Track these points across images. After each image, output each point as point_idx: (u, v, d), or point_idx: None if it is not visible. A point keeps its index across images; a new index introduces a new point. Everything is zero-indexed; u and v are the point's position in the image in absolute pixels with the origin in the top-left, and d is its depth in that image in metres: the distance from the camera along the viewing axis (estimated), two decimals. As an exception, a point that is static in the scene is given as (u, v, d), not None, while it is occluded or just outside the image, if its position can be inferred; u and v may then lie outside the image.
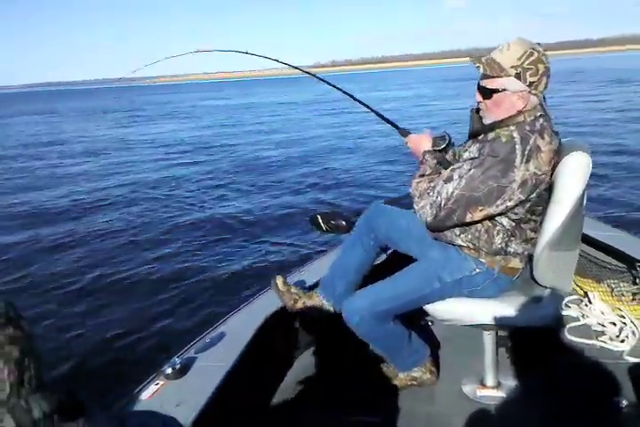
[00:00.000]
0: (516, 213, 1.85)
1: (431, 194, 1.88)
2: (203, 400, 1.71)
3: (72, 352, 3.79)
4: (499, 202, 1.77)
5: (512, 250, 1.93)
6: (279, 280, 2.37)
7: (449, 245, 2.01)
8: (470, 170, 1.79)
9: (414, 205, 1.95)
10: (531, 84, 1.77)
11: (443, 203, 1.82)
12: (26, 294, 4.92)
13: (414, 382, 2.22)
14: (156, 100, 51.37)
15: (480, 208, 1.79)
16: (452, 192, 1.80)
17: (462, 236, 1.95)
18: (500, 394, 2.18)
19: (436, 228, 1.93)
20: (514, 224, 1.88)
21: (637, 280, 2.52)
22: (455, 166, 1.89)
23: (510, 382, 2.23)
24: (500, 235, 1.90)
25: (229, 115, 26.49)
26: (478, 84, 1.88)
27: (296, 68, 2.81)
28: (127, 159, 13.57)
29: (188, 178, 10.51)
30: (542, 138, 1.76)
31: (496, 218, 1.87)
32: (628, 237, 2.78)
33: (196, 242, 6.21)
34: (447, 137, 2.07)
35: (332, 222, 2.43)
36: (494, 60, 1.78)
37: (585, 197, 1.91)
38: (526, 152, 1.72)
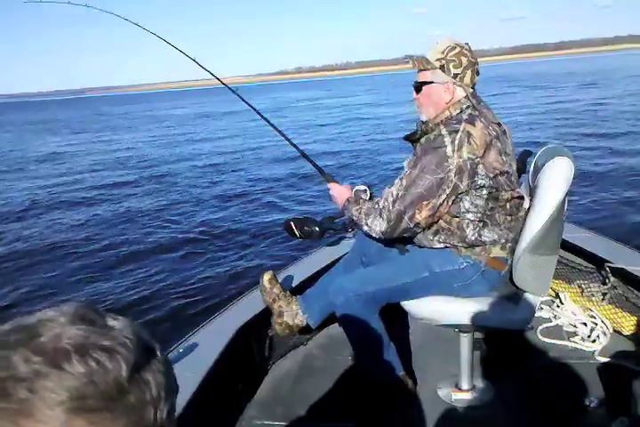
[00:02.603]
0: (477, 205, 1.90)
1: (376, 206, 1.96)
2: (176, 412, 1.67)
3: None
4: (440, 192, 1.84)
5: (486, 238, 1.96)
6: (267, 276, 2.38)
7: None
8: (408, 171, 1.91)
9: (363, 228, 2.00)
10: (455, 75, 1.90)
11: (390, 206, 1.90)
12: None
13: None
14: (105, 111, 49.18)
15: (425, 202, 1.86)
16: (397, 194, 1.90)
17: (436, 238, 1.99)
18: (475, 397, 2.19)
19: (392, 234, 1.95)
20: (480, 215, 1.92)
21: (606, 281, 2.56)
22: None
23: (485, 385, 2.24)
24: (471, 226, 1.94)
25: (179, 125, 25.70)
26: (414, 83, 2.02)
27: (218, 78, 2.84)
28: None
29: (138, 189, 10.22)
30: (473, 125, 1.85)
31: (461, 213, 1.92)
32: (597, 238, 2.83)
33: (165, 255, 6.05)
34: (368, 190, 2.19)
35: (305, 229, 2.41)
36: (423, 56, 1.94)
37: (566, 203, 1.93)
38: (456, 141, 1.81)
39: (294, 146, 2.50)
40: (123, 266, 5.70)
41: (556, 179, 1.91)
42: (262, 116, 2.59)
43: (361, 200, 2.07)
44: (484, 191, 1.88)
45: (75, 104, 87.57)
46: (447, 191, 1.84)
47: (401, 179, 1.92)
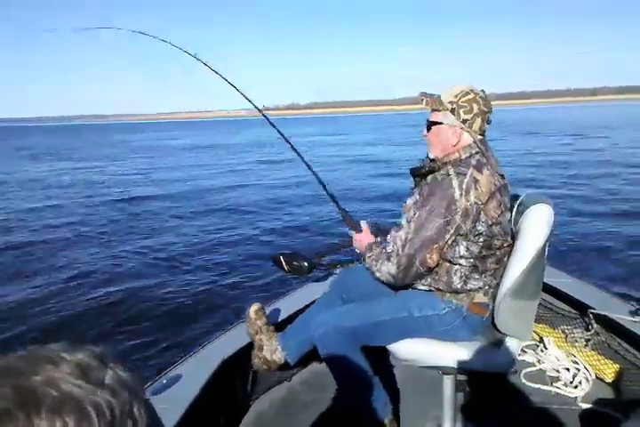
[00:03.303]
0: (471, 252, 1.92)
1: (383, 251, 1.97)
2: None
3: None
4: (446, 233, 1.86)
5: (472, 286, 1.98)
6: (254, 307, 2.38)
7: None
8: (416, 213, 1.91)
9: (375, 274, 2.00)
10: (464, 121, 1.92)
11: (399, 250, 1.91)
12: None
13: None
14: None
15: (435, 246, 1.87)
16: (406, 237, 1.90)
17: (422, 280, 2.01)
18: None
19: (403, 278, 1.94)
20: (472, 261, 1.94)
21: (590, 327, 2.59)
22: (404, 214, 2.01)
23: None
24: (458, 274, 1.96)
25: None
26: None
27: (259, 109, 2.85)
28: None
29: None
30: (480, 172, 1.88)
31: (455, 258, 1.93)
32: (581, 284, 2.87)
33: (155, 285, 5.97)
34: (378, 226, 2.23)
35: (294, 264, 2.43)
36: (438, 97, 1.96)
37: (547, 248, 1.98)
38: (464, 185, 1.84)
39: (328, 193, 2.46)
40: (107, 298, 5.61)
41: (536, 225, 1.96)
42: (299, 155, 2.56)
43: (374, 246, 2.07)
44: (481, 239, 1.91)
45: (94, 130, 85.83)
46: (451, 232, 1.86)
47: (409, 222, 1.93)
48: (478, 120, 1.92)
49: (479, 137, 1.96)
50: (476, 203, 1.84)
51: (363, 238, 2.18)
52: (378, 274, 1.99)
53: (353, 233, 2.24)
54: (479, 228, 1.89)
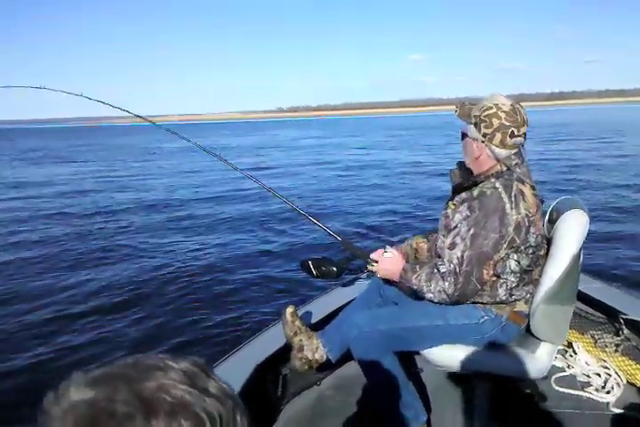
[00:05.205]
0: (522, 266, 1.92)
1: (435, 271, 1.92)
2: None
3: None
4: (499, 247, 1.85)
5: (515, 296, 1.98)
6: (289, 309, 2.38)
7: None
8: (470, 229, 1.88)
9: (426, 295, 1.95)
10: (485, 135, 1.90)
11: (457, 269, 1.87)
12: None
13: None
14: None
15: (491, 262, 1.86)
16: (462, 255, 1.87)
17: None
18: None
19: (460, 296, 1.91)
20: (519, 275, 1.94)
21: (620, 332, 2.57)
22: (451, 229, 1.96)
23: None
24: (504, 287, 1.96)
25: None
26: None
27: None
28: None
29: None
30: (523, 184, 1.88)
31: (505, 273, 1.92)
32: (610, 289, 2.85)
33: (183, 290, 5.98)
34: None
35: (323, 268, 2.43)
36: (470, 108, 1.96)
37: (582, 254, 1.98)
38: (512, 198, 1.84)
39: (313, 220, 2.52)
40: (135, 303, 5.62)
41: (572, 231, 1.97)
42: (268, 188, 2.67)
43: (417, 267, 2.02)
44: (531, 250, 1.91)
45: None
46: (504, 245, 1.86)
47: (463, 239, 1.88)
48: (498, 135, 1.89)
49: (509, 151, 1.92)
50: (527, 215, 1.85)
51: (395, 263, 2.10)
52: (430, 295, 1.93)
53: (378, 257, 2.17)
54: (530, 239, 1.89)
